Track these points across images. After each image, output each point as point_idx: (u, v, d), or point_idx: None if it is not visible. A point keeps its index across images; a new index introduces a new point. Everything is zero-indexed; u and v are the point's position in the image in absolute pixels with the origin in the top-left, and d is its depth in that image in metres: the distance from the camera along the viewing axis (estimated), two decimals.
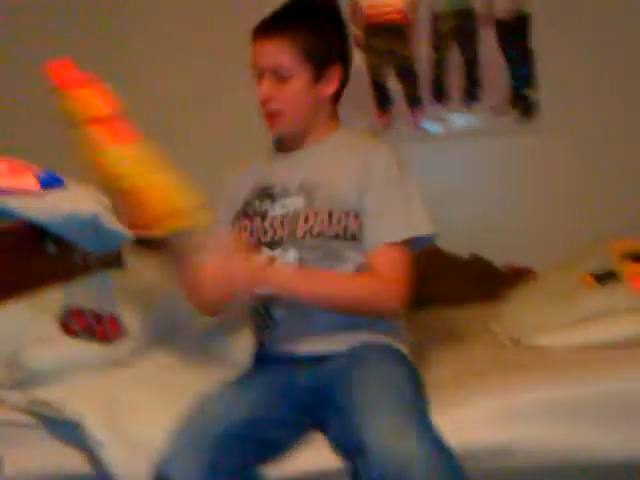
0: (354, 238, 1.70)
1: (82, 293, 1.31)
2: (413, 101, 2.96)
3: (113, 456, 1.60)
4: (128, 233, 1.15)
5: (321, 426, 1.65)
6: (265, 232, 1.73)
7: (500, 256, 2.70)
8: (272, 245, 1.72)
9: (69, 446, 1.70)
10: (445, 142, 2.93)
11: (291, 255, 1.71)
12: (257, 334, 1.82)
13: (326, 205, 1.70)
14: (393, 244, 1.70)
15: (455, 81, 2.93)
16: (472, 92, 2.92)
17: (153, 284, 1.84)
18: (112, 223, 1.13)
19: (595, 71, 2.83)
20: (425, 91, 2.95)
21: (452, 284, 2.59)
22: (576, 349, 1.93)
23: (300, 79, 1.71)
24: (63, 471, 1.71)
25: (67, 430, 1.67)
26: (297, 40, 1.69)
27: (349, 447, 1.49)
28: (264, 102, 1.71)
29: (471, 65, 2.91)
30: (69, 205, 1.08)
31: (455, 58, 2.93)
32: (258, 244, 1.72)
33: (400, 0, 2.93)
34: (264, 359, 1.79)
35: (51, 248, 1.05)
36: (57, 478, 1.71)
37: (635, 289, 1.99)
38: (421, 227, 1.71)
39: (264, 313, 1.76)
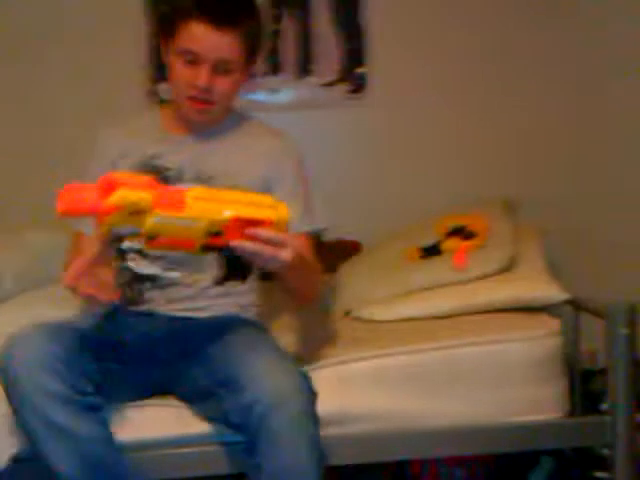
0: None
1: None
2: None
3: None
4: None
5: (173, 386, 1.70)
6: None
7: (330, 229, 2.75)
8: None
9: None
10: (276, 113, 2.92)
11: None
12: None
13: None
14: (306, 234, 1.75)
15: (290, 53, 2.92)
16: (305, 65, 2.93)
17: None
18: None
19: (423, 48, 2.92)
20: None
21: None
22: (402, 320, 2.04)
23: (239, 74, 1.68)
24: None
25: None
26: (248, 36, 1.65)
27: (215, 388, 1.56)
28: (202, 90, 1.64)
29: (304, 37, 2.92)
30: None
31: (288, 29, 2.92)
32: None
33: None
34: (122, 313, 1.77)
35: None
36: None
37: (456, 264, 2.09)
38: (321, 221, 1.80)
39: (134, 289, 1.76)
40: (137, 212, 1.31)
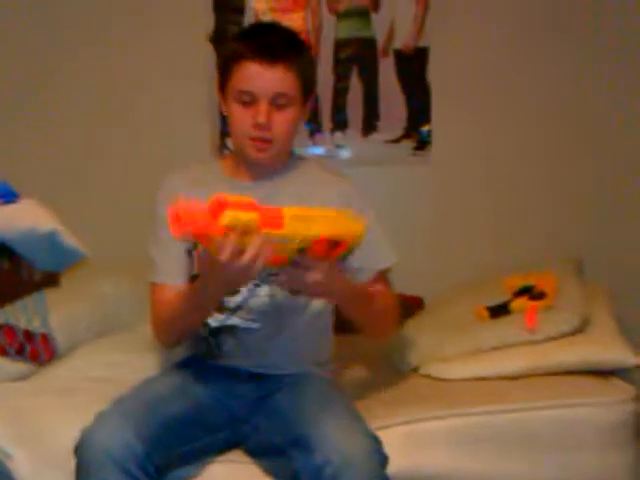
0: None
1: (16, 311, 1.24)
2: (312, 126, 2.98)
3: (23, 468, 1.57)
4: (85, 251, 1.10)
5: (244, 440, 1.72)
6: None
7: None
8: None
9: None
10: (342, 168, 2.93)
11: (263, 291, 1.71)
12: (197, 349, 1.82)
13: None
14: (384, 270, 1.80)
15: (355, 109, 2.97)
16: (371, 122, 2.97)
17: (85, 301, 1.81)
18: (70, 240, 1.06)
19: (488, 106, 2.94)
20: (325, 117, 2.98)
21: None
22: (471, 379, 2.02)
23: (295, 109, 1.70)
24: None
25: None
26: (300, 70, 1.68)
27: (286, 446, 1.56)
28: (262, 127, 1.66)
29: (370, 95, 2.97)
30: (27, 220, 1.01)
31: (355, 86, 2.97)
32: None
33: (303, 23, 2.95)
34: (201, 365, 1.79)
35: (4, 263, 0.99)
36: None
37: (527, 326, 2.07)
38: (393, 255, 1.83)
39: (213, 343, 1.77)
40: (245, 232, 1.36)
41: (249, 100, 1.66)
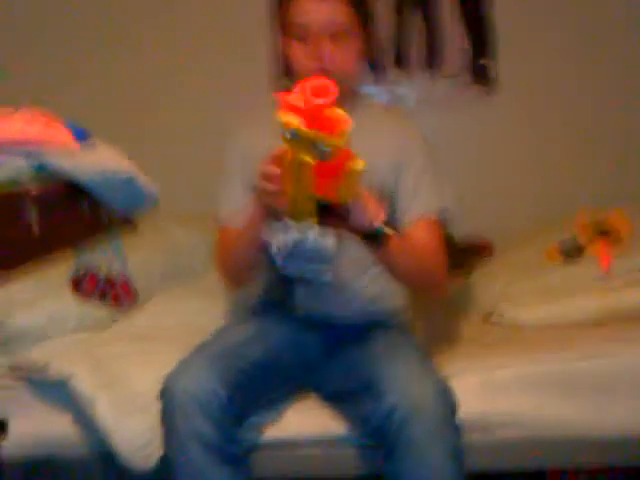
0: (387, 220, 1.66)
1: (96, 258, 1.26)
2: (373, 66, 2.92)
3: (105, 414, 1.59)
4: (158, 195, 1.09)
5: (318, 387, 1.73)
6: None
7: (458, 229, 2.71)
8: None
9: (54, 409, 1.69)
10: (403, 108, 2.90)
11: (329, 239, 1.68)
12: (270, 297, 1.81)
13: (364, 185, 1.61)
14: (430, 216, 1.72)
15: (416, 47, 2.90)
16: (432, 59, 2.90)
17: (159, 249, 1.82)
18: (146, 183, 1.05)
19: (552, 43, 2.85)
20: (387, 56, 2.92)
21: None
22: (544, 325, 1.99)
23: (353, 40, 1.69)
24: (50, 435, 1.70)
25: (51, 392, 1.66)
26: (350, 1, 1.67)
27: (357, 392, 1.56)
28: (322, 60, 1.65)
29: (432, 32, 2.89)
30: (105, 162, 1.00)
31: (416, 24, 2.90)
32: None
33: None
34: (275, 313, 1.79)
35: (84, 208, 0.99)
36: (45, 442, 1.70)
37: (602, 268, 2.02)
38: (449, 199, 1.76)
39: (285, 292, 1.76)
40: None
41: (305, 35, 1.67)
